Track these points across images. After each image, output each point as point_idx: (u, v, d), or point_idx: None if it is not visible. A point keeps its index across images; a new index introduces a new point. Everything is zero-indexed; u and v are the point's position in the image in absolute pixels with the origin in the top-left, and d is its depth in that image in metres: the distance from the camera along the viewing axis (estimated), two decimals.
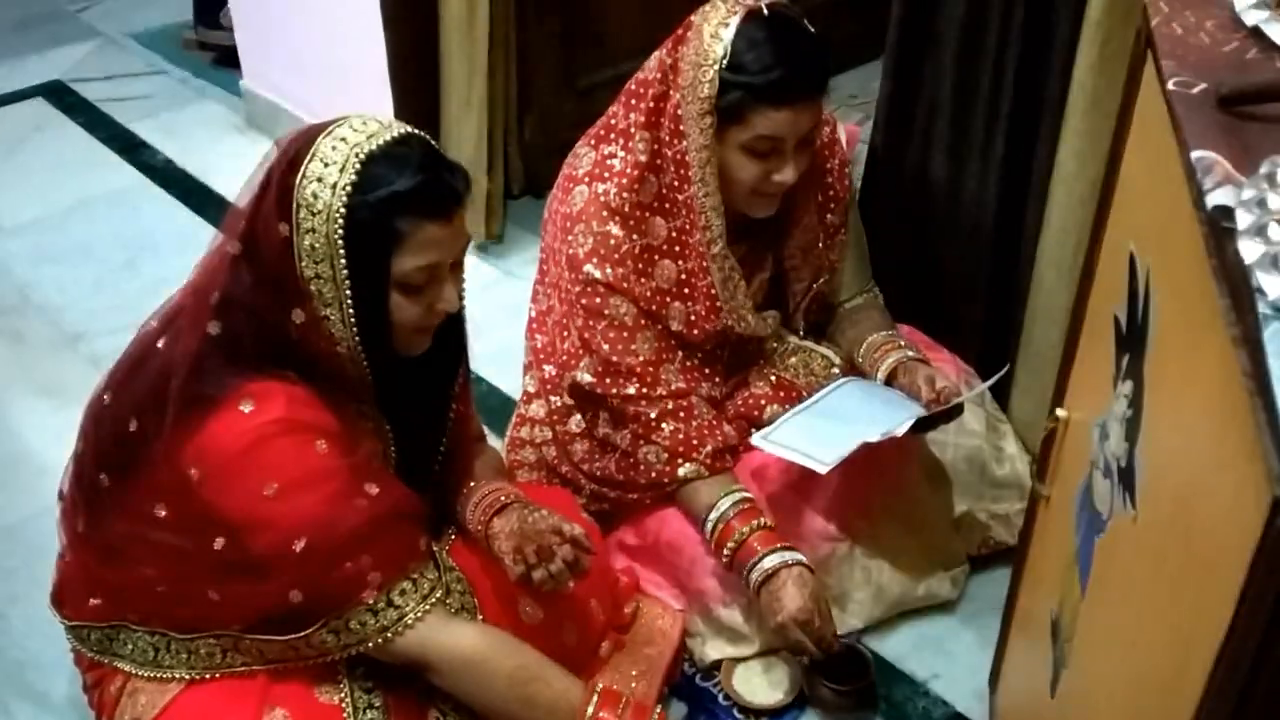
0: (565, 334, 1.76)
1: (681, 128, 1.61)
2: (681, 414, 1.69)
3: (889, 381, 1.74)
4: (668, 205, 1.67)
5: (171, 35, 3.83)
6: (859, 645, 1.75)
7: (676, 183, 1.65)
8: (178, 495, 1.33)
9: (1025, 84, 1.81)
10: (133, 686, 1.45)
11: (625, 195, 1.66)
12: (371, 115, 1.35)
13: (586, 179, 1.71)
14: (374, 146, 1.28)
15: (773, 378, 1.81)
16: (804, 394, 1.77)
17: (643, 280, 1.68)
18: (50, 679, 1.76)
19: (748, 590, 1.63)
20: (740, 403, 1.80)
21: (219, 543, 1.33)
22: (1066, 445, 1.30)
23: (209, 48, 3.66)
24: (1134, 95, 1.12)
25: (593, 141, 1.75)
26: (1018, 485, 1.86)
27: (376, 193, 1.27)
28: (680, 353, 1.73)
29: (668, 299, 1.70)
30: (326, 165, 1.27)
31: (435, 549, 1.47)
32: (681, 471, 1.68)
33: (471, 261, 1.42)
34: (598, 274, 1.67)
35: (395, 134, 1.31)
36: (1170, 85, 0.95)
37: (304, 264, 1.29)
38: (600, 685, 1.46)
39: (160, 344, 1.38)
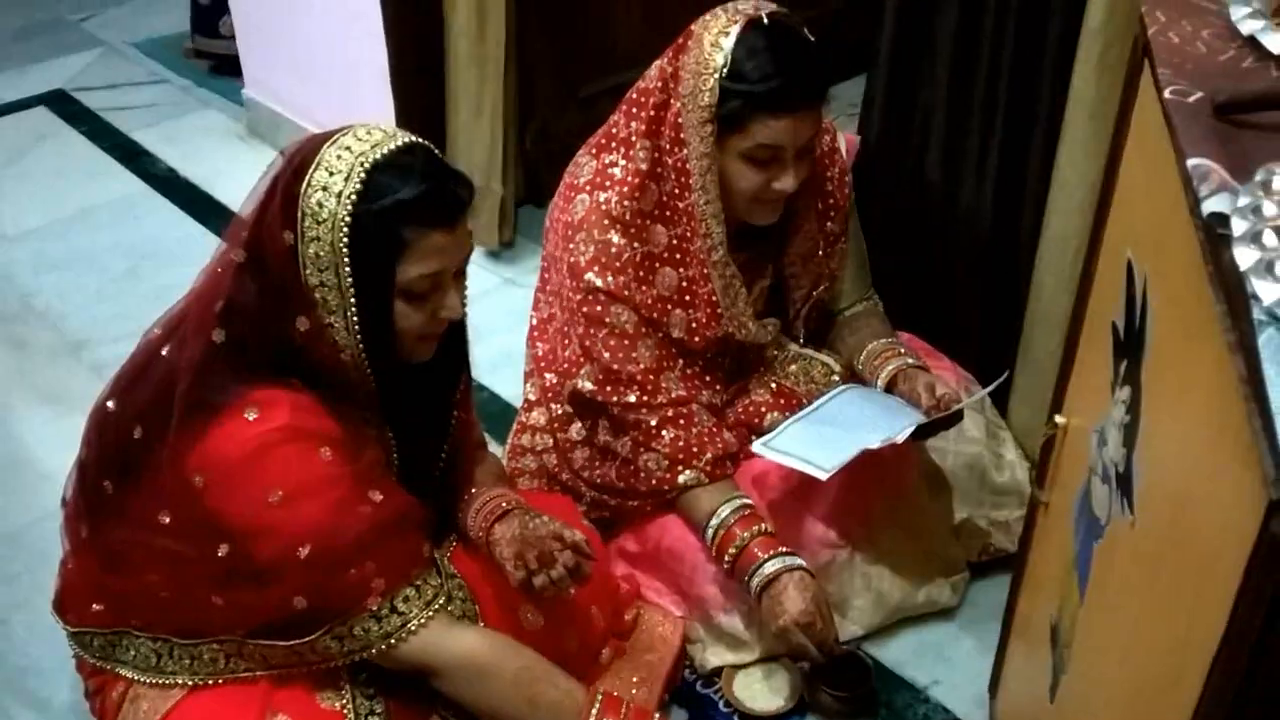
0: (566, 342, 1.76)
1: (682, 136, 1.61)
2: (681, 421, 1.70)
3: (889, 388, 1.74)
4: (668, 213, 1.68)
5: (173, 44, 3.84)
6: (859, 652, 1.76)
7: (677, 190, 1.66)
8: (181, 502, 1.33)
9: (1019, 92, 1.82)
10: (135, 692, 1.45)
11: (626, 203, 1.66)
12: (376, 124, 1.35)
13: (588, 187, 1.71)
14: (379, 155, 1.29)
15: (773, 385, 1.82)
16: (804, 401, 1.78)
17: (644, 288, 1.69)
18: (52, 685, 1.76)
19: (749, 596, 1.64)
20: (741, 410, 1.80)
21: (223, 549, 1.33)
22: (1065, 451, 1.30)
23: (207, 56, 3.67)
24: (1131, 103, 1.13)
25: (594, 150, 1.75)
26: (1017, 492, 1.87)
27: (381, 201, 1.28)
28: (681, 360, 1.74)
29: (669, 306, 1.70)
30: (332, 174, 1.28)
31: (437, 556, 1.48)
32: (682, 478, 1.69)
33: (472, 268, 1.43)
34: (599, 282, 1.67)
35: (400, 143, 1.32)
36: (1167, 93, 0.95)
37: (308, 272, 1.29)
38: (603, 690, 1.47)
39: (165, 351, 1.39)
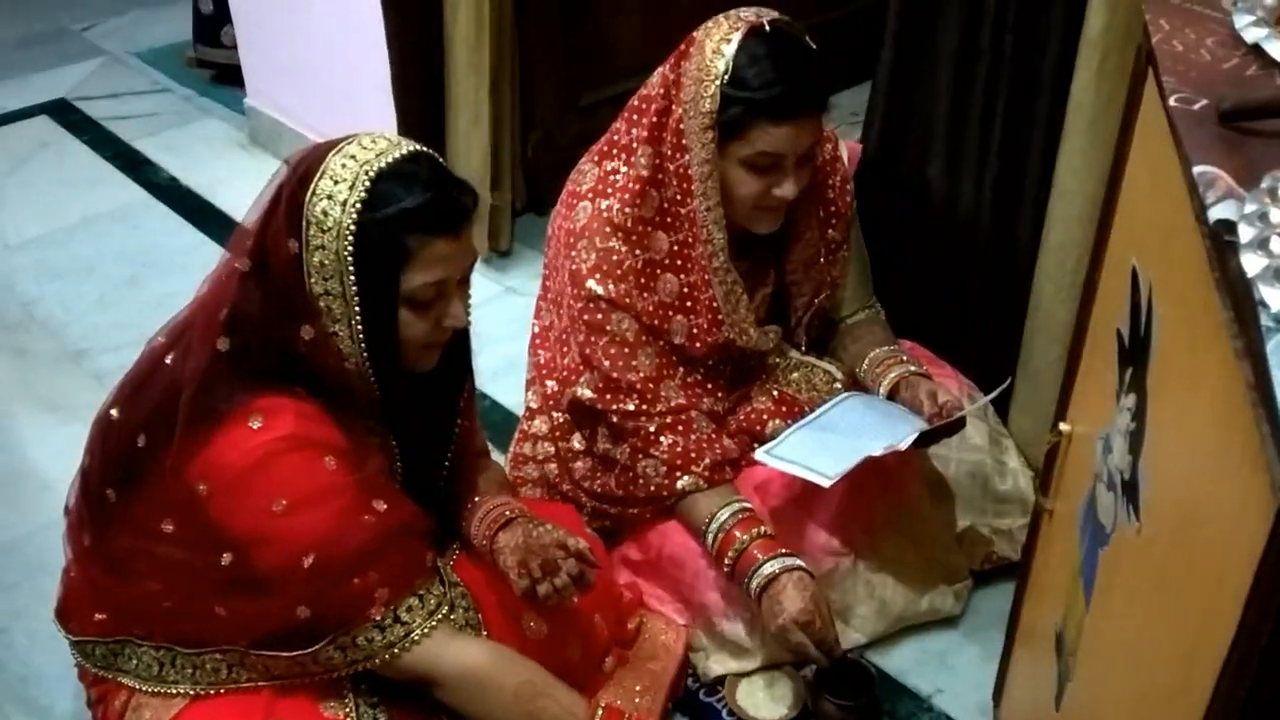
0: (566, 349, 1.76)
1: (684, 142, 1.62)
2: (680, 428, 1.70)
3: (891, 396, 1.74)
4: (670, 219, 1.68)
5: (175, 53, 3.85)
6: (862, 660, 1.75)
7: (679, 197, 1.66)
8: (185, 510, 1.33)
9: (1019, 101, 1.83)
10: (137, 701, 1.45)
11: (628, 210, 1.66)
12: (380, 133, 1.36)
13: (590, 195, 1.71)
14: (383, 164, 1.29)
15: (775, 393, 1.82)
16: (806, 409, 1.78)
17: (645, 295, 1.69)
18: (53, 694, 1.76)
19: (749, 597, 1.63)
20: (742, 417, 1.80)
21: (226, 558, 1.33)
22: (1070, 459, 1.30)
23: (209, 66, 3.68)
24: (1135, 111, 1.13)
25: (596, 158, 1.76)
26: (1020, 500, 1.87)
27: (386, 210, 1.28)
28: (681, 369, 1.74)
29: (670, 312, 1.70)
30: (336, 183, 1.28)
31: (440, 564, 1.48)
32: (680, 484, 1.69)
33: (474, 277, 1.43)
34: (600, 290, 1.67)
35: (404, 152, 1.32)
36: (1172, 101, 0.96)
37: (313, 280, 1.29)
38: (604, 702, 1.47)
39: (168, 359, 1.39)
